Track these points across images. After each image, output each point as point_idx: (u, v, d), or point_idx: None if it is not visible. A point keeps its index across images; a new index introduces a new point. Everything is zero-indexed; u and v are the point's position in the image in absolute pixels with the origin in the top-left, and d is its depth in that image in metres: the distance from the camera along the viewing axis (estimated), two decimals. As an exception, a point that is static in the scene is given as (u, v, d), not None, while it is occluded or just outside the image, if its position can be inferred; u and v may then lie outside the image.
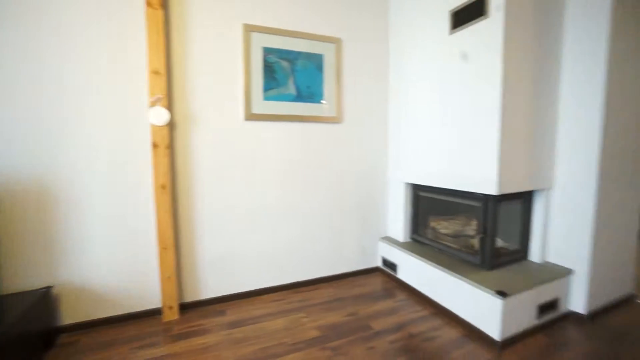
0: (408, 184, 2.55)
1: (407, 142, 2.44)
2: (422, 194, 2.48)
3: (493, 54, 1.73)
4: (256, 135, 2.20)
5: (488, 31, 1.76)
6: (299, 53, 2.26)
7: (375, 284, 2.50)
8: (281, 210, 2.32)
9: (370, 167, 2.62)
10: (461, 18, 1.92)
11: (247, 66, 2.11)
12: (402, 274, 2.44)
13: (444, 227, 2.43)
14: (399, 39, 2.50)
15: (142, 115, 1.90)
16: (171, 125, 1.97)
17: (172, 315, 1.99)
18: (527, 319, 1.77)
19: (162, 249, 1.93)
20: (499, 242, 2.16)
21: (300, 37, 2.25)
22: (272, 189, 2.28)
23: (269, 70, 2.18)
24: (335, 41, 2.36)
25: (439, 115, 2.13)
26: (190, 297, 2.11)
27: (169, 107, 1.94)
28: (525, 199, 2.06)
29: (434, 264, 2.10)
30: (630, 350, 1.65)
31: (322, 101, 2.37)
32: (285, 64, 2.23)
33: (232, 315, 2.05)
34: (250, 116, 2.15)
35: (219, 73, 2.07)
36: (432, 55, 2.16)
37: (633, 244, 2.13)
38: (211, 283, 2.16)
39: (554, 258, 2.04)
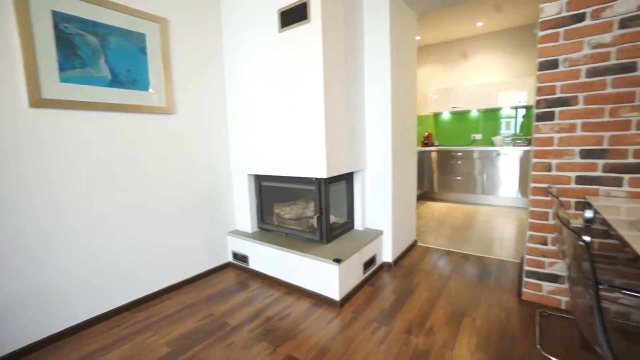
0: (251, 175, 2.61)
1: (247, 134, 2.48)
2: (264, 183, 2.60)
3: (315, 55, 1.99)
4: (55, 127, 1.69)
5: (310, 33, 2.00)
6: (112, 28, 1.87)
7: (228, 279, 2.45)
8: (107, 218, 1.89)
9: (213, 160, 2.51)
10: (289, 18, 2.09)
11: (25, 32, 1.57)
12: (253, 264, 2.50)
13: (287, 212, 2.64)
14: (232, 31, 2.47)
15: None
16: None
17: None
18: (357, 275, 2.19)
19: None
20: (333, 218, 2.55)
21: (113, 9, 1.86)
22: (94, 192, 1.82)
23: (67, 43, 1.70)
24: (161, 21, 2.09)
25: (273, 108, 2.27)
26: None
27: None
28: (348, 179, 2.50)
29: (280, 248, 2.26)
30: (417, 277, 2.33)
31: (149, 89, 2.06)
32: (92, 38, 1.79)
33: (39, 368, 1.54)
34: (40, 102, 1.62)
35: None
36: (265, 50, 2.26)
37: (414, 207, 2.99)
38: (5, 334, 1.54)
39: (370, 224, 2.60)
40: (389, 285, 2.26)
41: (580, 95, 1.71)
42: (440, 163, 4.95)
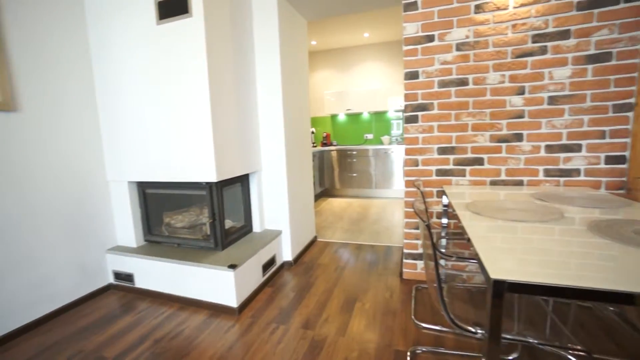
0: (132, 182, 2.31)
1: (124, 137, 2.18)
2: (149, 191, 2.33)
3: (199, 51, 1.87)
4: None
5: (192, 28, 1.87)
6: None
7: (108, 305, 2.11)
8: None
9: (80, 167, 2.12)
10: (167, 11, 1.91)
11: None
12: (140, 282, 2.21)
13: (179, 220, 2.43)
14: (100, 15, 2.12)
15: None
16: None
17: None
18: (256, 278, 2.16)
19: None
20: (230, 223, 2.45)
21: None
22: None
23: None
24: (-17, -6, 1.64)
25: (154, 107, 2.05)
26: None
27: None
28: (243, 181, 2.45)
29: (171, 260, 2.07)
30: (316, 272, 2.44)
31: (-31, 78, 1.60)
32: None
33: None
34: None
35: None
36: (142, 42, 2.02)
37: (312, 204, 3.12)
38: None
39: (269, 225, 2.60)
40: (289, 284, 2.30)
41: (435, 102, 2.05)
42: (340, 161, 5.30)
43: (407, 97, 2.10)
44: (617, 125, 1.79)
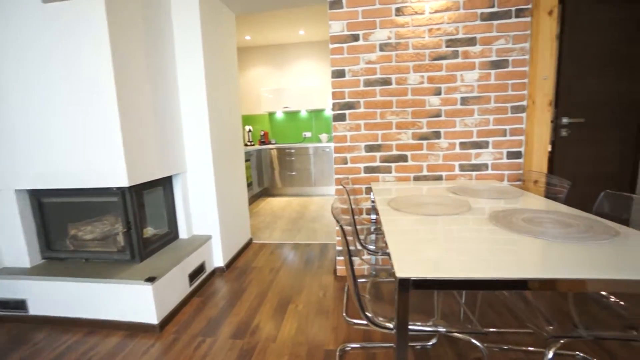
0: (22, 191, 1.95)
1: (9, 139, 1.82)
2: (47, 200, 1.99)
3: (99, 34, 1.63)
4: None
5: (90, 8, 1.62)
6: None
7: (-10, 339, 1.75)
8: None
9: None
10: (53, -12, 1.63)
11: None
12: (36, 309, 1.88)
13: (89, 232, 2.13)
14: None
15: None
16: None
17: None
18: (181, 289, 1.98)
19: None
20: (151, 231, 2.22)
21: None
22: None
23: None
24: None
25: (50, 100, 1.74)
26: None
27: None
28: (166, 184, 2.23)
29: (77, 279, 1.79)
30: (249, 276, 2.34)
31: None
32: None
33: None
34: None
35: None
36: (27, 27, 1.69)
37: (245, 205, 3.00)
38: None
39: (198, 230, 2.42)
40: (220, 291, 2.16)
41: (362, 101, 2.10)
42: (280, 160, 5.22)
43: (334, 95, 2.11)
44: (515, 125, 2.03)
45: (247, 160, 4.51)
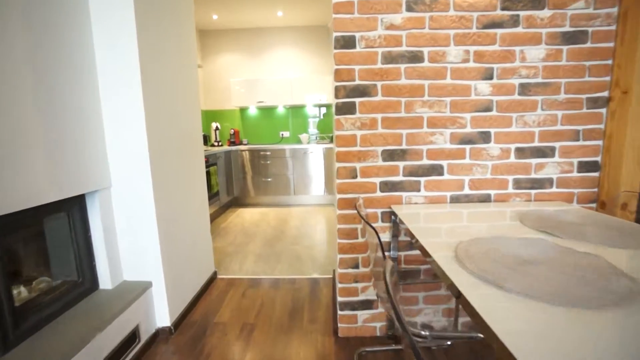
0: None
1: None
2: None
3: None
4: None
5: None
6: None
7: None
8: None
9: None
10: None
11: None
12: None
13: None
14: None
15: None
16: None
17: None
18: (89, 388, 1.19)
19: None
20: (45, 284, 1.40)
21: None
22: None
23: None
24: None
25: None
26: None
27: None
28: (72, 209, 1.42)
29: None
30: (210, 340, 1.59)
31: None
32: None
33: None
34: None
35: None
36: None
37: (207, 228, 2.22)
38: None
39: (130, 274, 1.62)
40: (160, 376, 1.39)
41: (379, 85, 1.42)
42: (253, 164, 4.43)
43: (338, 74, 1.42)
44: (591, 124, 1.44)
45: (212, 165, 3.69)
